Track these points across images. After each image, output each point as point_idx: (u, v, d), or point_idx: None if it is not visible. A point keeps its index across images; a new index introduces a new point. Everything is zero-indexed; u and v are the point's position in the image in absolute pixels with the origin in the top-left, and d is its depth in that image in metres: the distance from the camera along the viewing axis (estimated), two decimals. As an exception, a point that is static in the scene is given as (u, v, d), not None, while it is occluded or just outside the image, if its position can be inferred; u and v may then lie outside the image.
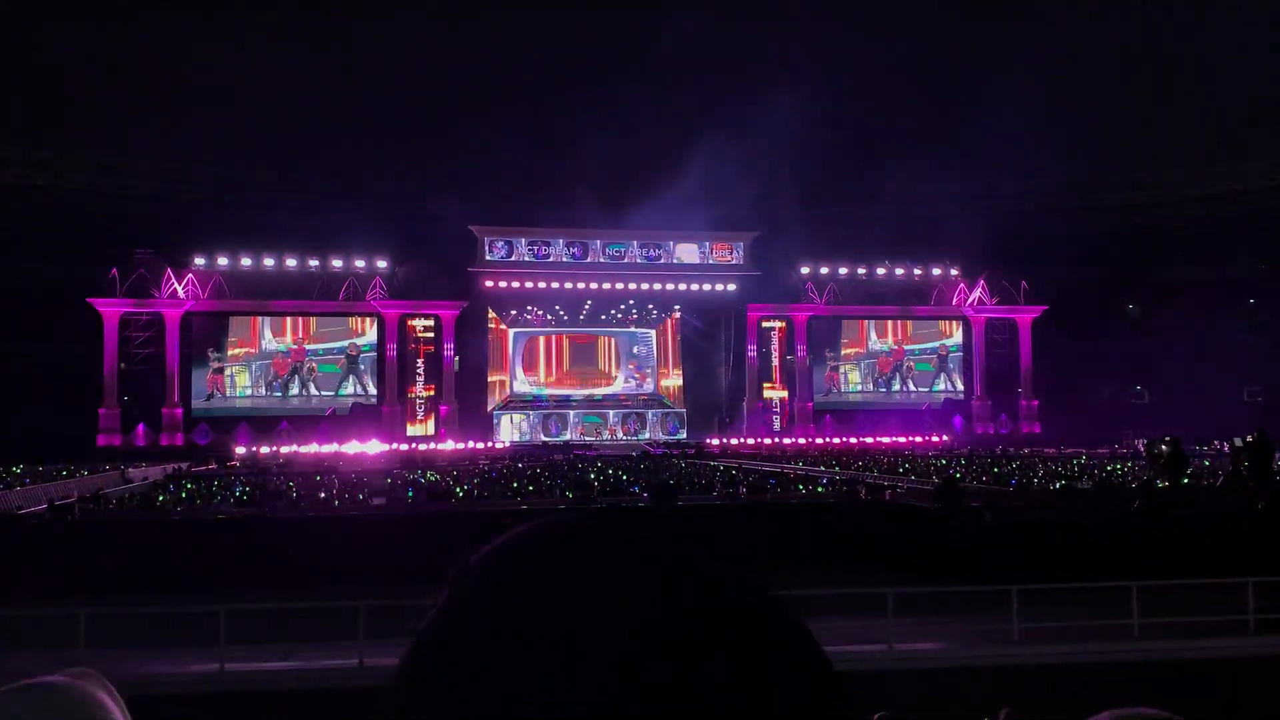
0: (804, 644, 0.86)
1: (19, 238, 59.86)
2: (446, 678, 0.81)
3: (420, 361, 64.63)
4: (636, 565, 0.85)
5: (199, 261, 62.33)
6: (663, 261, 67.94)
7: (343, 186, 71.51)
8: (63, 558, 23.16)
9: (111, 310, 59.82)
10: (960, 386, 70.53)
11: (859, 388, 70.45)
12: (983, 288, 69.38)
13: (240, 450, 57.47)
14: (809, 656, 0.85)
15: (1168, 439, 29.98)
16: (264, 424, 61.17)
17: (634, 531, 0.89)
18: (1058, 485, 30.20)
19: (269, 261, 63.22)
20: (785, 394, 68.46)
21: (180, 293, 61.16)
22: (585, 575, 0.83)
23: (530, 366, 72.08)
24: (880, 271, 69.96)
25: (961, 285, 70.22)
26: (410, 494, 31.21)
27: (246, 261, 62.95)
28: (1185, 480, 28.80)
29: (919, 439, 64.40)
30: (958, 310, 70.13)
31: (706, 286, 68.24)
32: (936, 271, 70.51)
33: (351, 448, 57.82)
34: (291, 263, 63.53)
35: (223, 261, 62.77)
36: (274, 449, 57.58)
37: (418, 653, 0.84)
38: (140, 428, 59.80)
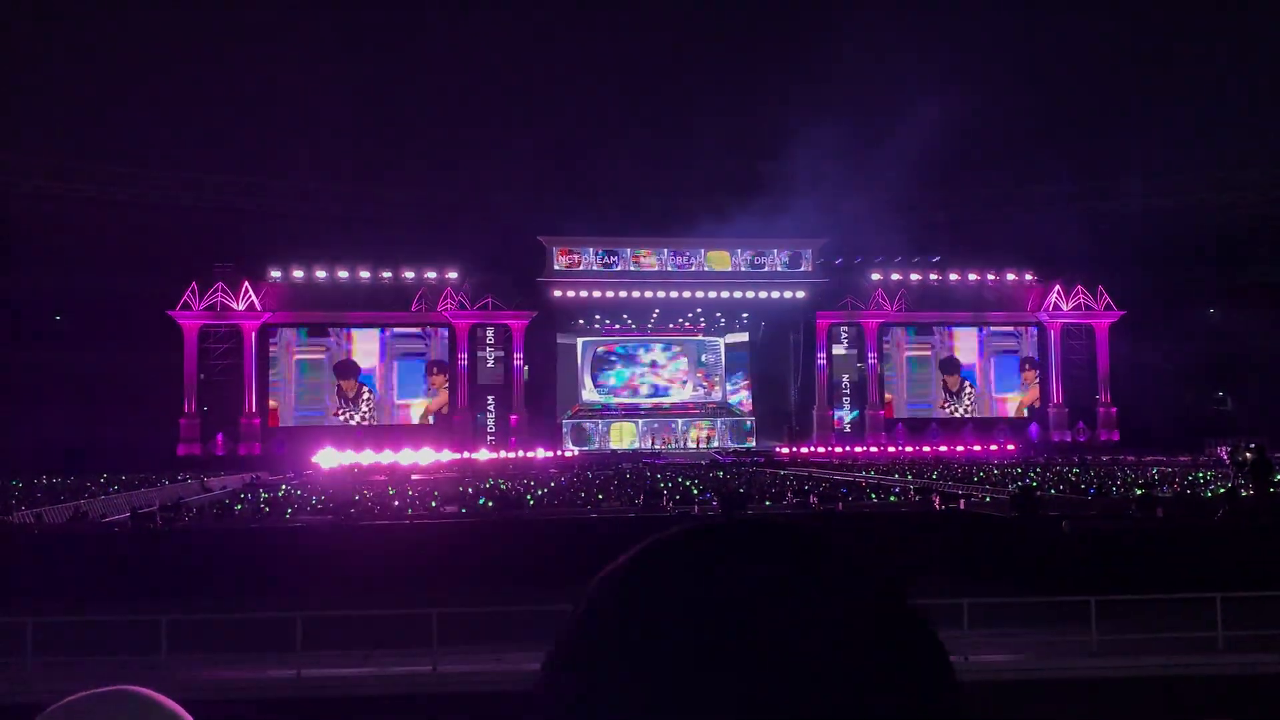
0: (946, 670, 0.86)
1: (102, 251, 61.40)
2: (582, 690, 0.80)
3: (491, 370, 64.98)
4: (788, 572, 0.82)
5: (275, 274, 63.46)
6: (731, 269, 67.52)
7: (414, 199, 72.39)
8: (144, 565, 23.66)
9: (191, 322, 61.13)
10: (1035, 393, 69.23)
11: (929, 398, 69.19)
12: (1059, 293, 68.09)
13: (316, 459, 58.38)
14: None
15: (1252, 446, 29.24)
16: (340, 434, 62.10)
17: (773, 534, 0.86)
18: (1137, 494, 29.52)
19: (344, 274, 64.17)
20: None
21: (258, 305, 62.32)
22: (726, 584, 0.80)
23: (599, 375, 72.34)
24: (954, 277, 68.89)
25: (1037, 290, 69.02)
26: (482, 501, 31.43)
27: (322, 274, 63.95)
28: (1271, 489, 28.01)
29: (994, 447, 63.51)
30: (1034, 316, 68.91)
31: (775, 294, 67.71)
32: (1011, 277, 69.33)
33: (426, 456, 58.49)
34: (365, 275, 64.44)
35: (299, 274, 63.84)
36: (350, 458, 58.45)
37: (553, 664, 0.83)
38: (219, 437, 60.99)
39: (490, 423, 64.60)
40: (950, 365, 69.32)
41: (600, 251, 66.43)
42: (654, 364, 73.23)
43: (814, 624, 0.78)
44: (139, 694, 1.59)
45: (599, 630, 0.82)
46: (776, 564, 0.82)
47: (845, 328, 67.79)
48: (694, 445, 68.25)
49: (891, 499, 32.04)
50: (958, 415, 68.31)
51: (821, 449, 62.75)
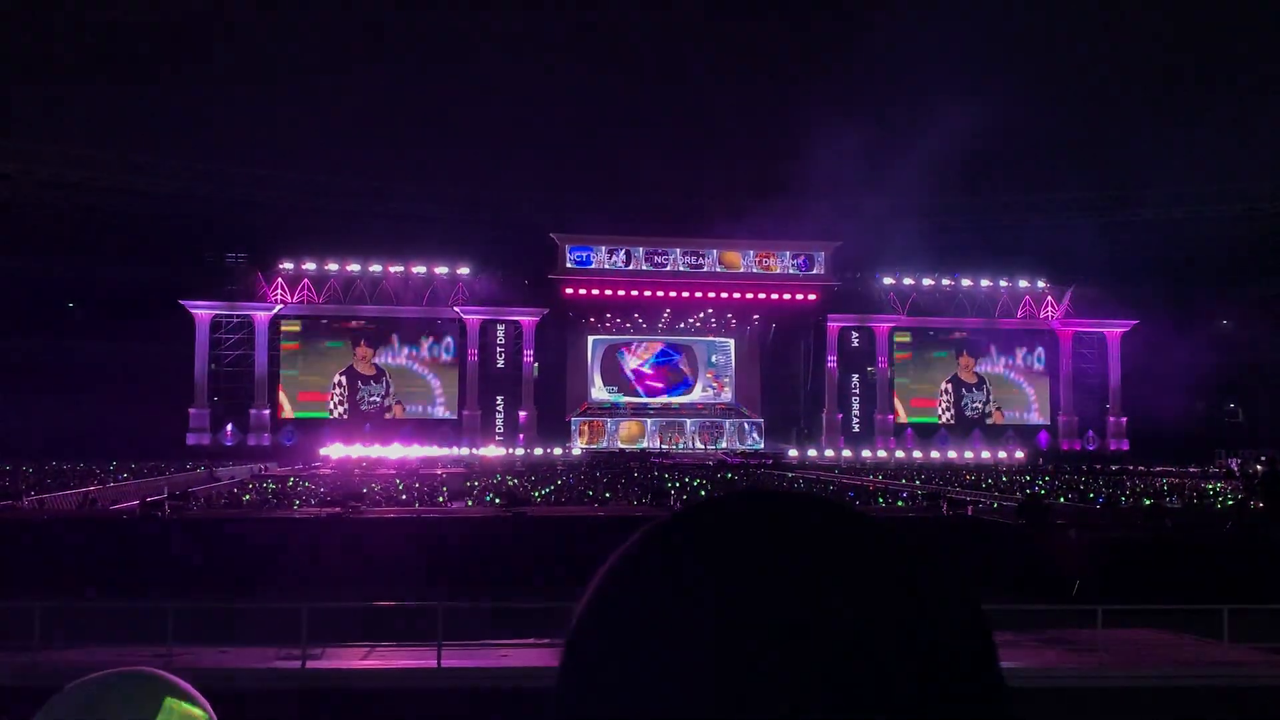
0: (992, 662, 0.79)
1: (116, 240, 61.65)
2: (599, 679, 0.74)
3: (500, 367, 64.93)
4: (802, 546, 0.76)
5: (287, 266, 63.53)
6: (742, 270, 67.31)
7: (427, 194, 72.49)
8: (152, 553, 23.74)
9: (203, 313, 61.27)
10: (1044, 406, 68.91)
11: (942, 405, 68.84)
12: (1071, 300, 67.85)
13: (324, 451, 58.51)
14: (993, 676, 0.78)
15: (1263, 459, 29.11)
16: (348, 426, 62.17)
17: (789, 505, 0.80)
18: (1146, 504, 29.45)
19: (355, 267, 64.22)
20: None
21: (269, 297, 62.43)
22: (743, 559, 0.74)
23: (609, 374, 72.29)
24: (966, 283, 68.62)
25: (1049, 298, 68.80)
26: (489, 497, 31.48)
27: (333, 267, 64.01)
28: (1281, 502, 27.89)
29: (1002, 454, 63.37)
30: (1045, 323, 68.66)
31: (787, 296, 67.49)
32: (1023, 283, 69.05)
33: (433, 452, 58.64)
34: (376, 268, 64.46)
35: (310, 267, 63.88)
36: (358, 452, 58.59)
37: (570, 656, 0.77)
38: (228, 428, 61.13)
39: (499, 420, 64.61)
40: (974, 348, 68.57)
41: (613, 250, 66.27)
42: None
43: (855, 608, 0.73)
44: (155, 675, 1.62)
45: (623, 609, 0.76)
46: (817, 539, 0.77)
47: (856, 331, 67.58)
48: (701, 445, 68.13)
49: (899, 504, 32.01)
50: (968, 415, 67.90)
51: (830, 452, 62.66)
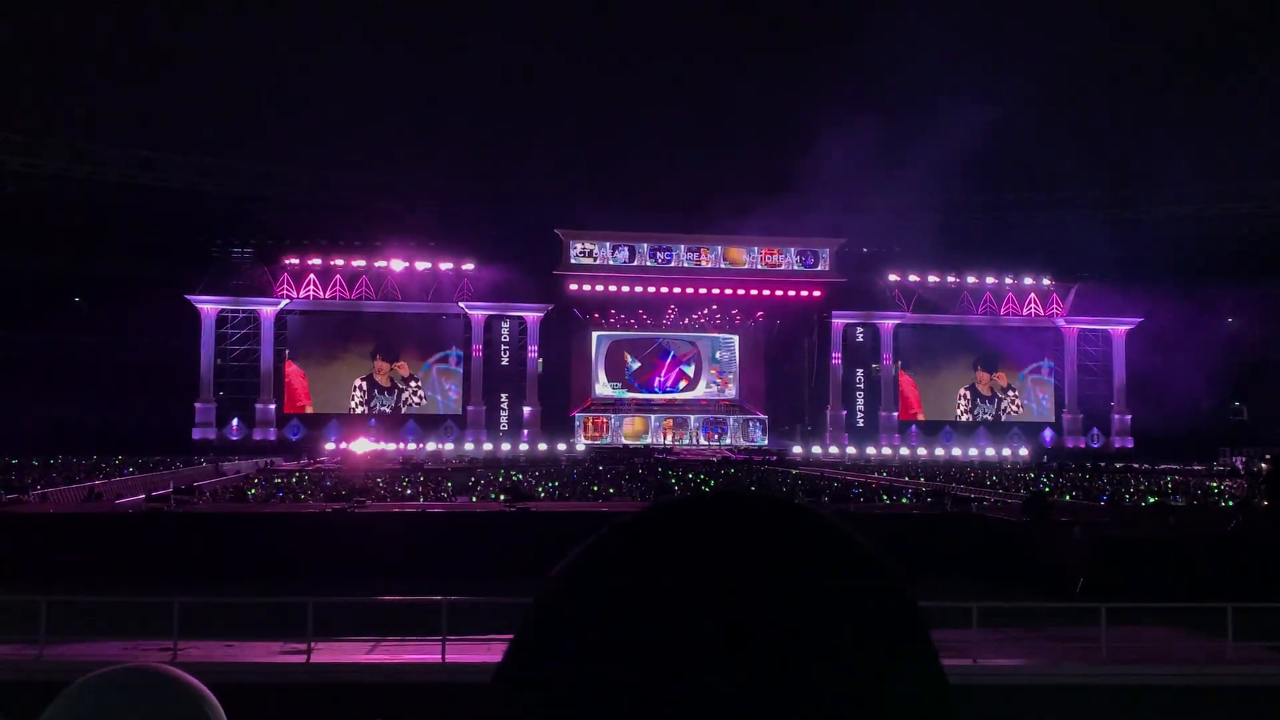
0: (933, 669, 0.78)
1: (121, 235, 61.68)
2: (539, 683, 0.75)
3: (504, 363, 64.95)
4: (741, 555, 0.75)
5: (293, 261, 63.54)
6: (747, 267, 67.21)
7: (432, 190, 72.40)
8: (157, 547, 23.79)
9: (209, 308, 61.29)
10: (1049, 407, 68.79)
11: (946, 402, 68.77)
12: (1075, 298, 67.70)
13: (330, 446, 58.52)
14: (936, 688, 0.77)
15: (1268, 457, 29.07)
16: (353, 421, 62.23)
17: (730, 514, 0.79)
18: (1150, 501, 29.44)
19: (360, 262, 64.19)
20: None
21: (275, 292, 62.44)
22: (690, 568, 0.74)
23: (613, 370, 72.19)
24: (971, 280, 68.43)
25: (1054, 295, 68.63)
26: (494, 494, 31.52)
27: (339, 262, 64.00)
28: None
29: (1006, 451, 63.29)
30: (1050, 321, 68.51)
31: (791, 292, 67.38)
32: (1028, 281, 68.88)
33: (439, 447, 58.66)
34: (381, 264, 64.44)
35: (315, 262, 63.88)
36: (364, 447, 58.60)
37: (512, 655, 0.78)
38: (234, 422, 61.14)
39: (503, 415, 64.60)
40: (989, 362, 68.48)
41: (617, 246, 66.15)
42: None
43: (796, 612, 0.72)
44: (163, 671, 1.62)
45: (558, 618, 0.77)
46: (759, 543, 0.76)
47: (860, 328, 67.50)
48: (705, 441, 68.03)
49: (903, 501, 32.02)
50: (985, 418, 67.78)
51: (834, 449, 62.61)
